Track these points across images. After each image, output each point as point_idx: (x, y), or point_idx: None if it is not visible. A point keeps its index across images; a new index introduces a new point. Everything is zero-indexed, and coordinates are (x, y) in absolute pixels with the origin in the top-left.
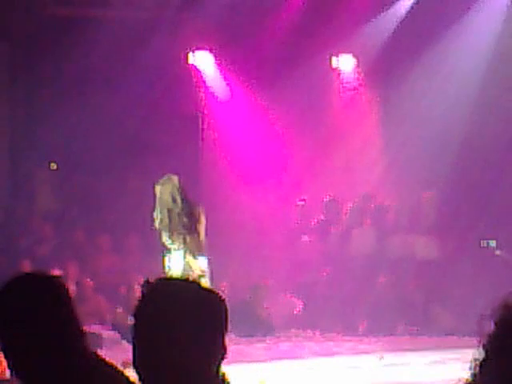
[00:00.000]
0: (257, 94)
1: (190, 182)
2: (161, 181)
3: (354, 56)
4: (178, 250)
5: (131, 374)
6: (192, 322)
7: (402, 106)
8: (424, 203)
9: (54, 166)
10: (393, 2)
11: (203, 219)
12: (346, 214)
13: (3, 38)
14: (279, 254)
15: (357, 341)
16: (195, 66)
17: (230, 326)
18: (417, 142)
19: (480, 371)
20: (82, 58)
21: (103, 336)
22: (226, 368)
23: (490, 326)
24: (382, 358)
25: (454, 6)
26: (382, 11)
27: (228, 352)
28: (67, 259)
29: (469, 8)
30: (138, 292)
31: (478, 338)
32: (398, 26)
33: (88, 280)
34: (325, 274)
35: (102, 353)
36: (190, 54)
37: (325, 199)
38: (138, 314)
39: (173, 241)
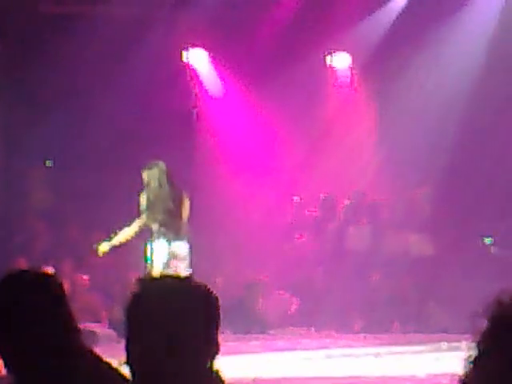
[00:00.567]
0: (251, 91)
1: (185, 179)
2: (148, 166)
3: (349, 53)
4: (161, 232)
5: (127, 371)
6: (184, 319)
7: (397, 103)
8: (419, 200)
9: (49, 163)
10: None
11: (187, 204)
12: (341, 210)
13: None
14: (274, 250)
15: (352, 338)
16: (190, 64)
17: (224, 323)
18: (412, 138)
19: (473, 368)
20: (76, 55)
21: (98, 333)
22: (220, 360)
23: (483, 323)
24: (377, 355)
25: (449, 2)
26: (377, 9)
27: (222, 348)
28: (62, 256)
29: (463, 4)
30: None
31: (472, 335)
32: (392, 24)
33: (83, 277)
34: (320, 271)
35: (97, 350)
36: (185, 52)
37: (321, 196)
38: (130, 311)
39: (158, 224)
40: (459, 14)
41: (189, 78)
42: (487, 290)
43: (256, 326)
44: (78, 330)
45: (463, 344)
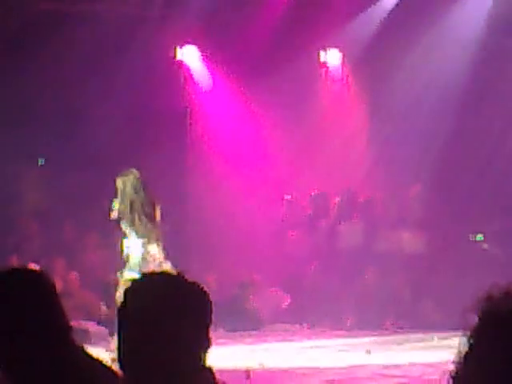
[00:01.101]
0: (244, 88)
1: (178, 178)
2: (122, 173)
3: (341, 50)
4: (139, 237)
5: (118, 368)
6: (176, 316)
7: (389, 99)
8: (412, 197)
9: (41, 162)
10: None
11: (159, 209)
12: (333, 208)
13: None
14: (267, 248)
15: (344, 335)
16: (183, 61)
17: (217, 321)
18: (404, 135)
19: (464, 363)
20: (69, 54)
21: (90, 331)
22: (214, 351)
23: (474, 319)
24: (369, 352)
25: (439, 0)
26: (369, 6)
27: (214, 345)
28: (54, 255)
29: (453, 1)
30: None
31: (462, 331)
32: (384, 20)
33: (75, 275)
34: (313, 268)
35: (89, 348)
36: (178, 50)
37: (312, 193)
38: (122, 308)
39: (136, 230)
40: (450, 12)
41: (181, 76)
42: (479, 287)
43: (248, 324)
44: (69, 328)
45: (454, 339)
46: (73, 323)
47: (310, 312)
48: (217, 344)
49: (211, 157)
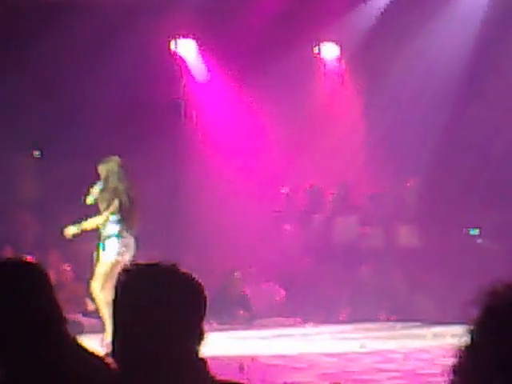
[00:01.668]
0: (240, 81)
1: (172, 170)
2: (104, 160)
3: (337, 44)
4: (120, 223)
5: (112, 360)
6: (169, 307)
7: (385, 93)
8: (407, 191)
9: (36, 153)
10: None
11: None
12: (329, 201)
13: None
14: (261, 241)
15: (338, 329)
16: (178, 53)
17: (210, 314)
18: (400, 129)
19: (465, 357)
20: (64, 44)
21: (84, 323)
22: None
23: (476, 313)
24: (363, 346)
25: None
26: None
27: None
28: (49, 247)
29: None
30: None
31: (463, 325)
32: (381, 14)
33: (69, 267)
34: (307, 261)
35: (82, 340)
36: (173, 42)
37: (308, 187)
38: (116, 300)
39: (119, 215)
40: (448, 4)
41: (177, 68)
42: (473, 281)
43: (242, 317)
44: (63, 320)
45: (448, 334)
46: (67, 315)
47: (304, 305)
48: (210, 336)
49: (206, 149)
